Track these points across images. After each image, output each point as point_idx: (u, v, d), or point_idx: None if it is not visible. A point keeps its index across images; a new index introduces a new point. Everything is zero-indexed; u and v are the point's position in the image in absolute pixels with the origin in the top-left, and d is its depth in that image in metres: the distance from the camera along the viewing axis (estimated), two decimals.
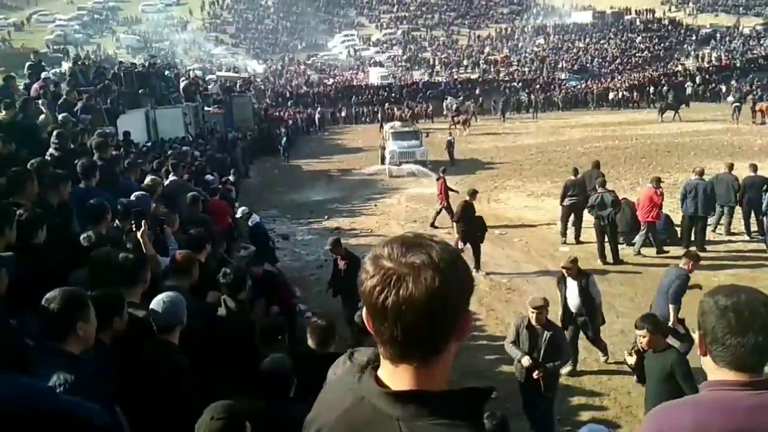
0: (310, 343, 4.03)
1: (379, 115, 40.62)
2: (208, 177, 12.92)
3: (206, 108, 29.82)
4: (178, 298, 3.69)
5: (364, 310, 1.23)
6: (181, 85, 27.51)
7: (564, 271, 7.50)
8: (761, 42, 56.54)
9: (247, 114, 33.60)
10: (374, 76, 54.32)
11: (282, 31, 74.12)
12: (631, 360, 5.40)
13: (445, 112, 40.32)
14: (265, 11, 78.27)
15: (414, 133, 24.59)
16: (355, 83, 53.99)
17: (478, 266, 11.37)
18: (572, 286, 7.45)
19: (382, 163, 23.81)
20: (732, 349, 1.74)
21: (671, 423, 1.77)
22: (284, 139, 29.62)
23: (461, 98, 43.56)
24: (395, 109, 43.14)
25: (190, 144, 20.50)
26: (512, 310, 9.73)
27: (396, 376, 1.23)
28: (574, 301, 7.47)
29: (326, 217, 16.80)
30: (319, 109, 43.96)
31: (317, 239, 14.50)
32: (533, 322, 6.05)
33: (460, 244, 11.13)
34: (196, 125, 26.03)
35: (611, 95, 45.08)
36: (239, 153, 24.50)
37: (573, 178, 13.62)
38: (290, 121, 38.61)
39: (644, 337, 5.09)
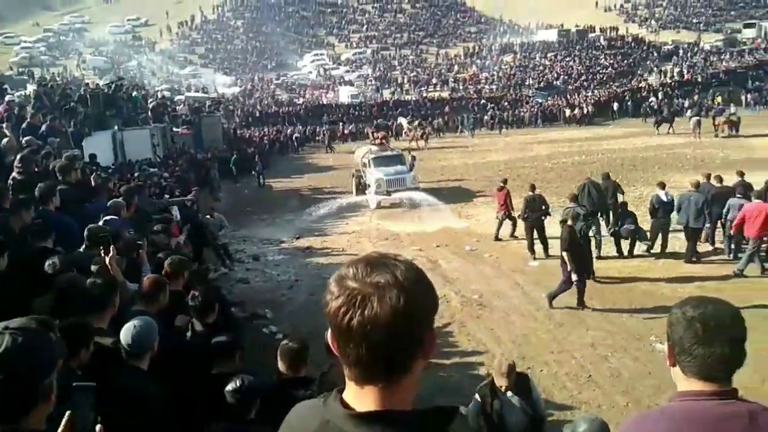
0: (281, 366, 3.99)
1: (327, 137, 40.16)
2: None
3: (175, 129, 29.59)
4: (149, 323, 3.64)
5: (329, 331, 1.23)
6: (149, 106, 27.29)
7: (498, 386, 5.26)
8: (721, 57, 58.15)
9: (217, 134, 33.41)
10: (344, 95, 54.54)
11: (251, 51, 74.06)
12: None
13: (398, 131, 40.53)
14: (234, 31, 78.23)
15: (398, 157, 21.97)
16: (325, 102, 54.15)
17: (582, 303, 10.11)
18: (511, 403, 5.25)
19: (358, 193, 21.49)
20: (700, 360, 1.76)
21: None
22: (258, 165, 27.40)
23: (410, 117, 44.09)
24: (344, 129, 43.34)
25: (158, 165, 20.34)
26: (483, 326, 9.79)
27: (362, 398, 1.22)
28: (514, 420, 5.27)
29: (297, 236, 16.73)
30: (299, 127, 43.86)
31: (288, 259, 14.43)
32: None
33: (574, 276, 9.90)
34: (165, 146, 25.81)
35: (576, 111, 45.84)
36: (214, 174, 24.34)
37: (531, 194, 13.72)
38: (264, 142, 38.13)
39: None
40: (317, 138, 42.55)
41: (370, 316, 1.15)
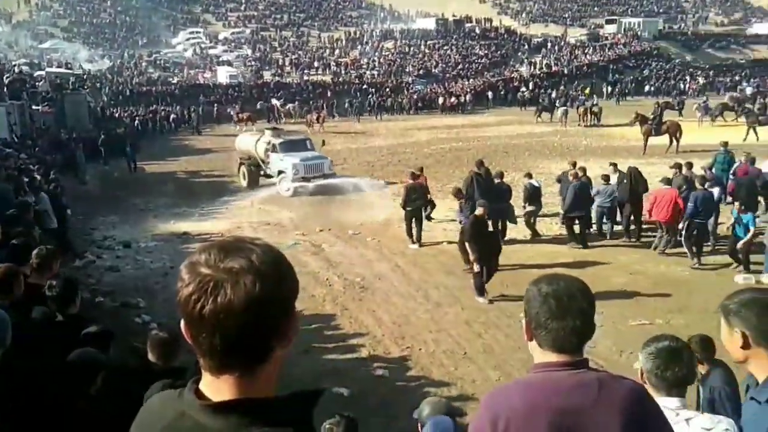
0: (151, 356, 3.79)
1: (196, 119, 38.93)
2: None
3: (34, 107, 27.40)
4: None
5: (182, 320, 1.16)
6: (5, 81, 25.06)
7: None
8: (585, 51, 62.25)
9: (82, 113, 31.23)
10: (222, 76, 52.84)
11: (120, 25, 69.68)
12: None
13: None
14: (100, 4, 73.12)
15: (305, 141, 20.73)
16: (202, 82, 52.21)
17: (482, 292, 10.05)
18: None
19: (251, 183, 20.19)
20: (554, 333, 1.85)
21: (504, 405, 1.86)
22: (128, 147, 24.65)
23: (282, 100, 44.09)
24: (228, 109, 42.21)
25: (15, 146, 18.75)
26: (365, 308, 9.91)
27: (218, 387, 1.16)
28: None
29: (172, 222, 16.04)
30: (176, 107, 41.83)
31: (162, 246, 13.81)
32: None
33: (476, 267, 9.86)
34: (23, 125, 23.81)
35: (453, 99, 47.24)
36: (80, 156, 22.65)
37: (412, 181, 13.50)
38: (137, 122, 35.96)
39: None
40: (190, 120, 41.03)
41: (224, 303, 1.09)
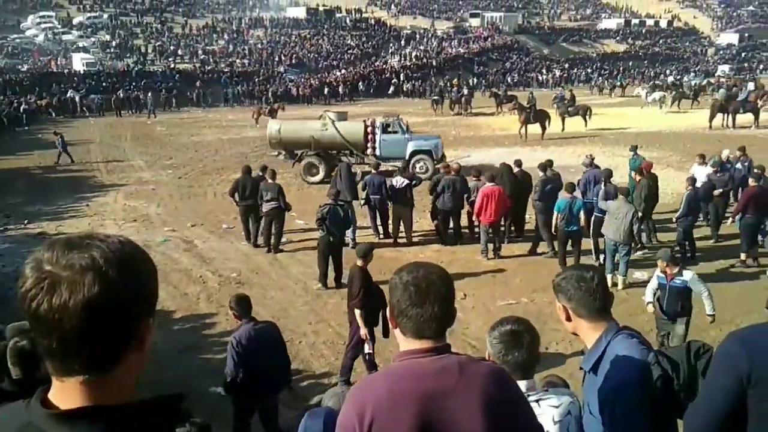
0: (12, 369, 3.44)
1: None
2: None
3: None
4: None
5: None
6: None
7: None
8: (451, 43, 64.48)
9: None
10: (78, 63, 49.30)
11: None
12: None
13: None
14: None
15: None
16: (55, 70, 48.37)
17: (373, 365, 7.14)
18: None
19: (327, 176, 17.31)
20: (414, 319, 1.88)
21: (369, 394, 1.86)
22: None
23: (84, 90, 42.06)
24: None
25: None
26: None
27: (65, 394, 1.09)
28: None
29: (26, 221, 14.78)
30: (30, 97, 38.14)
31: (15, 248, 12.69)
32: None
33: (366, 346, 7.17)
34: None
35: (308, 90, 46.93)
36: None
37: (246, 175, 12.36)
38: None
39: None
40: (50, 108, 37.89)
41: (59, 303, 1.02)
